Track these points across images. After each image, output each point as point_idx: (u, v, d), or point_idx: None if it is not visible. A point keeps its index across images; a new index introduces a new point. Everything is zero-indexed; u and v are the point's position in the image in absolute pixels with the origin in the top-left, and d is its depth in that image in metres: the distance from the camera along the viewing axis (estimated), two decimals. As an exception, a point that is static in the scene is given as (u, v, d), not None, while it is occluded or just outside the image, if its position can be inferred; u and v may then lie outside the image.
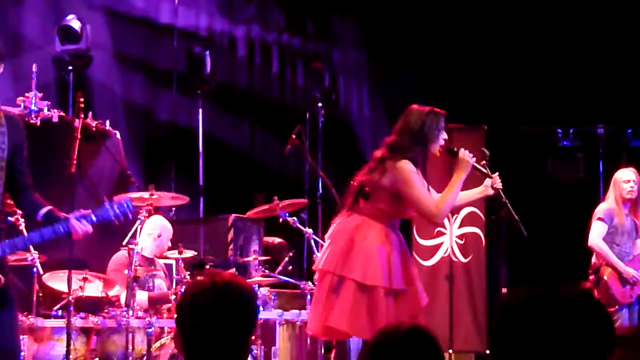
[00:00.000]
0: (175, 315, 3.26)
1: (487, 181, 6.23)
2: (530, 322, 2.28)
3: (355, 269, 5.88)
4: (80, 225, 5.26)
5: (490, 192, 6.28)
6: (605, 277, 8.14)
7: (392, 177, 5.93)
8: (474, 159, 6.13)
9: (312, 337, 7.82)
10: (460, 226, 9.90)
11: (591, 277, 8.24)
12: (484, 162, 7.39)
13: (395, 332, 2.89)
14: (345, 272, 5.91)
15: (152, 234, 8.45)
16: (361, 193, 6.03)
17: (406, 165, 5.90)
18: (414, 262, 6.30)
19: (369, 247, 5.90)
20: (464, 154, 6.11)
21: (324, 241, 9.03)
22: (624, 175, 8.36)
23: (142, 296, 7.97)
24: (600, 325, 2.29)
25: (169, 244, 8.56)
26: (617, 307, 8.13)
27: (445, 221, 9.85)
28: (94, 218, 5.43)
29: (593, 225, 8.23)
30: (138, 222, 7.92)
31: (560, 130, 10.90)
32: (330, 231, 6.22)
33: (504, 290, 7.80)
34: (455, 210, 5.97)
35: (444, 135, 6.14)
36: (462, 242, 9.90)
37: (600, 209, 8.28)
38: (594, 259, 8.29)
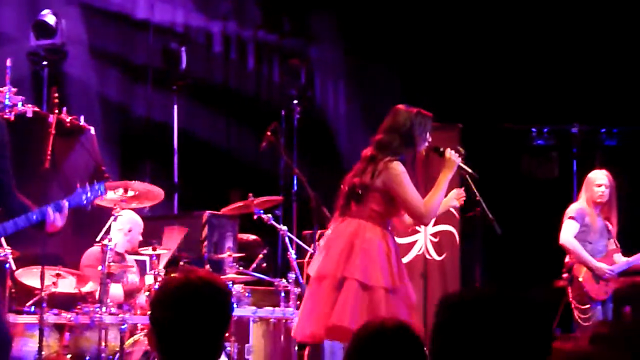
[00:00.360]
0: (149, 312, 3.25)
1: (453, 192, 6.25)
2: (472, 320, 2.29)
3: (357, 270, 5.91)
4: (54, 213, 5.26)
5: (455, 203, 6.29)
6: (578, 276, 8.18)
7: (385, 177, 5.97)
8: (460, 158, 6.14)
9: (310, 342, 7.72)
10: (435, 224, 9.90)
11: (565, 276, 8.28)
12: (460, 160, 7.43)
13: (380, 329, 2.89)
14: (347, 273, 5.94)
15: (123, 229, 8.41)
16: (353, 196, 6.06)
17: (398, 166, 5.96)
18: None
19: (369, 248, 5.94)
20: (450, 153, 6.17)
21: (298, 238, 9.09)
22: (597, 179, 8.38)
23: (116, 290, 7.95)
24: (539, 330, 2.30)
25: (140, 238, 8.53)
26: (590, 304, 8.17)
27: (420, 219, 9.87)
28: (67, 204, 5.43)
29: (564, 224, 8.27)
30: (112, 218, 7.88)
31: (535, 129, 10.95)
32: (325, 237, 6.24)
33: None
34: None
35: (429, 138, 6.17)
36: (436, 240, 9.91)
37: (572, 209, 8.32)
38: (567, 258, 8.33)
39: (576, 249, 8.18)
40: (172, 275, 3.49)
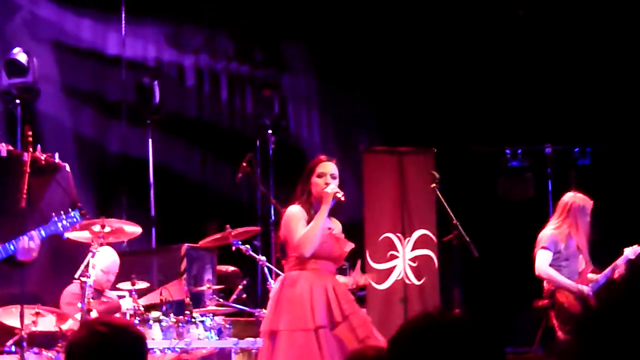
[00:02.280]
0: None
1: (328, 188, 6.35)
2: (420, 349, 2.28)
3: (282, 320, 6.16)
4: (28, 243, 5.26)
5: (329, 193, 6.32)
6: (561, 300, 8.17)
7: (283, 221, 6.37)
8: (335, 190, 6.33)
9: None
10: (413, 249, 9.92)
11: (546, 302, 8.25)
12: (434, 184, 7.48)
13: (376, 357, 2.89)
14: (274, 326, 6.19)
15: (99, 267, 8.32)
16: (281, 251, 6.44)
17: (289, 209, 6.36)
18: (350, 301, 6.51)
19: (291, 296, 6.19)
20: (328, 187, 6.33)
21: (277, 268, 9.09)
22: (589, 206, 8.36)
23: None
24: (490, 350, 2.30)
25: (107, 277, 8.42)
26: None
27: (398, 244, 9.88)
28: (43, 233, 5.44)
29: (538, 254, 8.22)
30: (90, 254, 7.85)
31: (509, 151, 11.02)
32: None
33: (457, 311, 7.81)
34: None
35: (326, 180, 6.35)
36: (415, 264, 9.92)
37: (544, 238, 8.25)
38: (545, 285, 8.31)
39: (553, 277, 8.17)
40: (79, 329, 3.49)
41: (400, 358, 2.28)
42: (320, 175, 6.36)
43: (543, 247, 8.19)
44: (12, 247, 5.36)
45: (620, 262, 8.23)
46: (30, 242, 5.46)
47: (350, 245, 6.53)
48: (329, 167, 6.42)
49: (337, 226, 6.51)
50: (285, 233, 6.31)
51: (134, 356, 3.12)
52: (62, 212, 5.95)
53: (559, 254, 8.20)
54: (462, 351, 2.24)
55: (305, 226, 6.24)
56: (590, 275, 8.34)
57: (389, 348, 2.34)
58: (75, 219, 5.83)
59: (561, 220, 8.28)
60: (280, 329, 6.13)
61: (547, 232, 8.23)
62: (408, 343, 2.28)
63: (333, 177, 6.40)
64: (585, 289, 8.21)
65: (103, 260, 8.42)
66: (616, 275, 8.15)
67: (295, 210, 6.30)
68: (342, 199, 6.36)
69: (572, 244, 8.27)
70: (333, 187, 6.33)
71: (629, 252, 8.23)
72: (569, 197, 8.40)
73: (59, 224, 5.71)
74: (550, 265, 8.18)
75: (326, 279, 6.29)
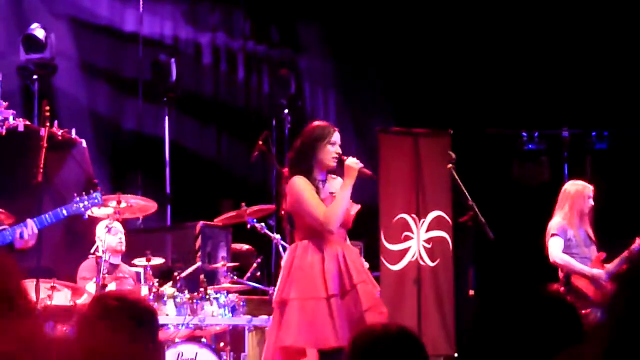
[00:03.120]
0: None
1: (351, 161, 6.22)
2: (506, 320, 2.32)
3: (293, 289, 6.11)
4: (24, 232, 5.30)
5: (354, 168, 6.20)
6: (578, 285, 8.18)
7: (290, 194, 6.20)
8: (361, 165, 6.23)
9: None
10: (428, 230, 9.91)
11: (562, 289, 8.25)
12: (451, 165, 7.48)
13: (384, 334, 2.90)
14: (285, 295, 6.14)
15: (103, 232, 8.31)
16: (289, 222, 6.33)
17: (296, 182, 6.17)
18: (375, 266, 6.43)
19: (303, 265, 6.12)
20: (350, 161, 6.23)
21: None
22: (589, 191, 8.40)
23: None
24: (567, 323, 2.33)
25: (118, 238, 8.41)
26: (591, 309, 8.17)
27: (413, 225, 9.87)
28: (65, 212, 5.48)
29: (550, 243, 8.24)
30: (105, 230, 7.88)
31: (525, 134, 10.98)
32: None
33: (472, 293, 7.82)
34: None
35: (336, 148, 6.25)
36: (429, 246, 9.91)
37: (554, 226, 8.27)
38: (560, 273, 8.32)
39: (569, 263, 8.18)
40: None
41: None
42: (332, 144, 6.24)
43: (554, 235, 8.21)
44: (9, 236, 5.39)
45: (635, 247, 8.23)
46: (26, 232, 5.49)
47: (356, 207, 6.39)
48: (339, 137, 6.31)
49: (338, 186, 6.34)
50: (299, 207, 6.18)
51: (145, 330, 3.14)
52: (84, 193, 5.96)
53: (569, 241, 8.22)
54: None
55: (318, 199, 6.13)
56: (606, 264, 8.34)
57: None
58: (96, 200, 5.85)
59: (565, 209, 8.30)
60: (291, 297, 6.08)
61: (556, 221, 8.25)
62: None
63: (340, 147, 6.30)
64: (602, 273, 8.21)
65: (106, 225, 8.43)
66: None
67: (303, 182, 6.14)
68: (374, 177, 6.28)
69: (582, 232, 8.29)
70: (357, 161, 6.21)
71: None
72: (569, 186, 8.44)
73: (81, 205, 5.74)
74: (563, 252, 8.19)
75: (337, 246, 6.21)
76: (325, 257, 6.13)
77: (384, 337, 2.89)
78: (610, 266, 8.29)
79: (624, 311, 1.84)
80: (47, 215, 5.69)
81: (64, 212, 5.56)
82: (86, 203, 5.70)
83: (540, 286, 2.48)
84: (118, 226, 8.50)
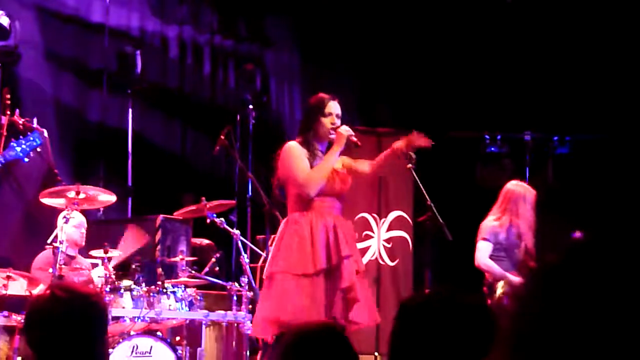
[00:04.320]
0: (25, 335, 3.23)
1: (342, 129, 6.23)
2: (424, 322, 2.35)
3: (282, 262, 6.09)
4: None
5: (343, 134, 6.22)
6: (497, 291, 8.18)
7: (280, 160, 6.22)
8: (351, 132, 6.23)
9: (250, 338, 7.95)
10: (388, 230, 9.96)
11: (484, 290, 8.25)
12: (410, 165, 7.47)
13: (308, 332, 2.91)
14: (275, 268, 6.12)
15: (69, 224, 8.29)
16: (280, 191, 6.32)
17: (286, 146, 6.21)
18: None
19: (292, 239, 6.10)
20: (342, 128, 6.24)
21: (251, 243, 9.11)
22: (530, 195, 8.39)
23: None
24: (483, 328, 2.36)
25: (80, 230, 8.43)
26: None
27: (374, 224, 9.92)
28: (1, 159, 5.46)
29: (478, 246, 8.25)
30: (63, 220, 7.84)
31: (488, 136, 11.02)
32: None
33: (426, 292, 7.84)
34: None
35: (333, 120, 6.25)
36: (389, 245, 9.96)
37: (484, 229, 8.27)
38: (486, 275, 8.34)
39: (492, 269, 8.20)
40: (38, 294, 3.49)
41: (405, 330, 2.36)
42: (327, 115, 6.24)
43: (483, 239, 8.23)
44: None
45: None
46: None
47: (368, 165, 6.43)
48: (336, 107, 6.30)
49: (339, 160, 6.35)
50: (285, 172, 6.18)
51: (90, 324, 3.12)
52: (20, 136, 5.95)
53: (499, 244, 8.24)
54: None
55: (306, 162, 6.13)
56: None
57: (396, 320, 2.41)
58: (34, 142, 5.82)
59: (502, 210, 8.31)
60: (279, 271, 6.08)
61: (488, 224, 8.26)
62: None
63: (338, 117, 6.29)
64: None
65: (73, 217, 8.40)
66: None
67: (294, 146, 6.17)
68: (358, 143, 6.23)
69: (513, 234, 8.29)
70: (347, 129, 6.22)
71: None
72: (510, 186, 8.45)
73: (18, 148, 5.72)
74: (490, 256, 8.21)
75: (328, 217, 6.17)
76: (314, 229, 6.09)
77: (312, 336, 2.89)
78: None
79: (529, 305, 1.88)
80: None
81: (0, 159, 5.53)
82: (24, 146, 5.67)
83: (457, 291, 2.49)
84: (81, 219, 8.47)
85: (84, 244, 8.49)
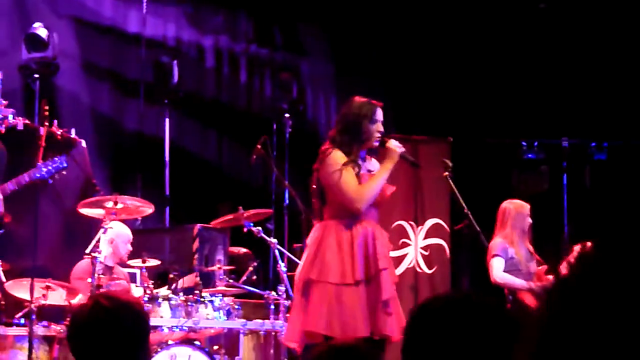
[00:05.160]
0: (69, 343, 3.26)
1: (393, 144, 6.12)
2: (441, 324, 2.34)
3: (320, 270, 5.96)
4: None
5: (397, 151, 6.11)
6: (523, 300, 8.14)
7: (325, 167, 6.01)
8: (403, 149, 6.13)
9: (287, 347, 7.87)
10: (425, 237, 9.94)
11: (509, 306, 8.21)
12: (446, 173, 7.47)
13: (330, 351, 2.90)
14: (312, 275, 5.99)
15: (106, 239, 8.39)
16: (320, 197, 6.13)
17: (333, 156, 6.00)
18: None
19: (331, 245, 5.96)
20: (392, 143, 6.11)
21: (289, 251, 9.12)
22: (524, 209, 8.43)
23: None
24: (504, 331, 2.35)
25: (126, 249, 8.51)
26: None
27: (410, 232, 9.89)
28: (27, 178, 5.58)
29: (491, 263, 8.22)
30: (102, 230, 7.89)
31: (525, 143, 10.98)
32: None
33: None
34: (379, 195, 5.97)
35: (379, 127, 6.10)
36: (426, 253, 9.93)
37: (495, 246, 8.25)
38: (506, 292, 8.31)
39: (509, 281, 8.18)
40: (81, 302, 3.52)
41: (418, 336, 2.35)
42: (375, 122, 6.08)
43: (495, 255, 8.21)
44: None
45: (572, 257, 8.19)
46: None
47: (391, 188, 6.25)
48: (382, 114, 6.16)
49: (376, 167, 6.22)
50: (328, 180, 5.99)
51: (134, 333, 3.14)
52: (48, 159, 6.07)
53: (511, 260, 8.22)
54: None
55: (354, 176, 5.97)
56: (549, 276, 8.35)
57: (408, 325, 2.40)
58: (60, 165, 5.91)
59: (504, 228, 8.32)
60: (318, 279, 5.94)
61: (497, 241, 8.26)
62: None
63: (383, 124, 6.14)
64: (544, 284, 8.22)
65: (122, 231, 8.50)
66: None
67: (340, 157, 5.97)
68: (411, 159, 6.19)
69: (523, 248, 8.30)
70: (398, 145, 6.09)
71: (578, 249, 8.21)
72: (505, 205, 8.45)
73: (44, 169, 5.83)
74: (505, 271, 8.20)
75: (368, 227, 6.04)
76: (354, 237, 5.96)
77: (345, 354, 2.88)
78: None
79: (555, 313, 1.88)
80: (8, 184, 5.80)
81: (26, 177, 5.65)
82: (50, 167, 5.78)
83: (476, 293, 2.48)
84: (129, 235, 8.52)
85: (115, 262, 8.53)
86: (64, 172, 6.74)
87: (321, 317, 5.91)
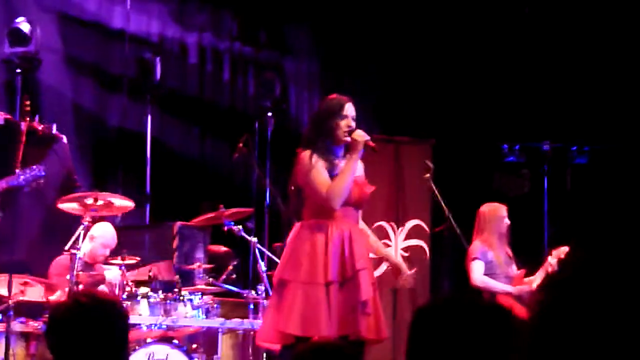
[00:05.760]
0: (47, 339, 3.26)
1: (357, 134, 5.99)
2: (442, 326, 2.35)
3: (292, 270, 5.97)
4: None
5: (359, 140, 5.97)
6: (502, 303, 8.17)
7: (298, 168, 6.01)
8: (367, 137, 6.01)
9: (262, 346, 7.83)
10: (406, 238, 9.95)
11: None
12: (427, 175, 7.49)
13: (318, 349, 2.91)
14: (285, 275, 6.00)
15: (88, 236, 8.35)
16: (297, 198, 6.12)
17: (303, 156, 5.97)
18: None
19: (305, 246, 5.96)
20: (356, 134, 6.00)
21: (269, 251, 9.11)
22: (501, 211, 8.49)
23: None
24: (503, 332, 2.36)
25: (105, 253, 8.45)
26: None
27: (391, 233, 9.91)
28: (4, 185, 5.61)
29: (471, 266, 8.28)
30: (81, 226, 7.86)
31: (506, 146, 11.00)
32: None
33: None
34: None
35: (349, 122, 6.03)
36: (406, 254, 9.95)
37: (474, 249, 8.31)
38: (484, 295, 8.35)
39: (489, 284, 8.25)
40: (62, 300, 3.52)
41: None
42: (344, 117, 6.01)
43: (475, 258, 8.27)
44: None
45: (551, 260, 8.24)
46: None
47: (370, 188, 6.22)
48: (352, 109, 6.06)
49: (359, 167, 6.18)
50: (303, 180, 5.98)
51: (113, 331, 3.14)
52: (26, 168, 6.09)
53: (490, 263, 8.28)
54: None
55: (325, 175, 5.93)
56: (525, 278, 8.40)
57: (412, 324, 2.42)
58: (38, 174, 5.94)
59: (482, 232, 8.37)
60: (290, 279, 5.94)
61: (476, 244, 8.33)
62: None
63: (354, 119, 6.05)
64: (525, 287, 8.26)
65: (104, 235, 8.46)
66: (549, 270, 8.14)
67: (310, 157, 5.93)
68: (376, 148, 6.00)
69: (502, 252, 8.35)
70: (362, 134, 5.98)
71: (555, 253, 8.27)
72: (482, 209, 8.51)
73: (21, 177, 5.86)
74: (485, 274, 8.25)
75: (345, 226, 6.01)
76: (329, 238, 5.93)
77: (326, 354, 2.89)
78: (530, 280, 8.35)
79: (547, 315, 1.90)
80: None
81: (3, 184, 5.69)
82: (27, 176, 5.82)
83: (475, 295, 2.52)
84: (110, 240, 8.47)
85: (101, 262, 8.50)
86: (42, 181, 6.74)
87: (290, 317, 5.90)
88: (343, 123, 6.00)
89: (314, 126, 6.10)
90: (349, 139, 6.03)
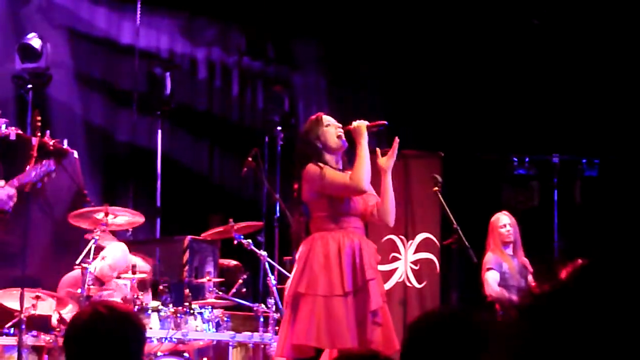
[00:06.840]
0: (65, 349, 3.28)
1: (355, 123, 6.13)
2: (435, 340, 2.37)
3: (309, 283, 5.96)
4: None
5: (360, 125, 6.13)
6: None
7: (307, 184, 6.04)
8: (365, 122, 6.13)
9: None
10: (415, 252, 9.95)
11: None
12: (436, 188, 7.50)
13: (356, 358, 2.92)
14: (300, 288, 5.99)
15: (101, 254, 8.34)
16: (305, 213, 6.16)
17: (311, 167, 6.02)
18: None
19: (319, 258, 5.98)
20: (354, 124, 6.13)
21: (279, 264, 9.12)
22: (500, 221, 8.54)
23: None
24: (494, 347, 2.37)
25: (113, 275, 8.38)
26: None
27: (401, 246, 9.91)
28: (16, 183, 5.64)
29: (486, 277, 8.30)
30: (92, 241, 7.88)
31: (516, 159, 11.01)
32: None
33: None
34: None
35: (335, 126, 6.15)
36: (416, 267, 9.95)
37: (488, 260, 8.35)
38: (497, 306, 8.35)
39: (502, 295, 8.25)
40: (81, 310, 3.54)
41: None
42: (327, 126, 6.12)
43: (489, 269, 8.28)
44: None
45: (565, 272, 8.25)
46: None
47: (375, 198, 6.24)
48: (330, 118, 6.20)
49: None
50: (309, 193, 6.04)
51: (130, 343, 3.16)
52: (36, 163, 6.16)
53: (504, 274, 8.29)
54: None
55: (334, 170, 6.02)
56: None
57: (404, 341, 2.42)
58: (48, 168, 5.98)
59: (494, 242, 8.39)
60: (307, 292, 5.93)
61: (490, 255, 8.35)
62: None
63: (337, 123, 6.17)
64: None
65: (114, 258, 8.41)
66: None
67: (317, 165, 6.00)
68: (383, 122, 6.16)
69: (516, 262, 8.36)
70: (359, 122, 6.13)
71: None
72: (493, 219, 8.54)
73: (33, 173, 5.90)
74: (499, 285, 8.26)
75: (354, 237, 6.05)
76: (342, 248, 5.97)
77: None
78: None
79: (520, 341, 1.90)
80: None
81: (15, 182, 5.72)
82: (38, 170, 5.87)
83: (466, 309, 2.51)
84: (119, 262, 8.44)
85: (108, 281, 8.49)
86: (53, 176, 6.76)
87: (311, 330, 5.89)
88: (329, 130, 6.12)
89: (304, 146, 6.17)
90: (341, 141, 6.13)
